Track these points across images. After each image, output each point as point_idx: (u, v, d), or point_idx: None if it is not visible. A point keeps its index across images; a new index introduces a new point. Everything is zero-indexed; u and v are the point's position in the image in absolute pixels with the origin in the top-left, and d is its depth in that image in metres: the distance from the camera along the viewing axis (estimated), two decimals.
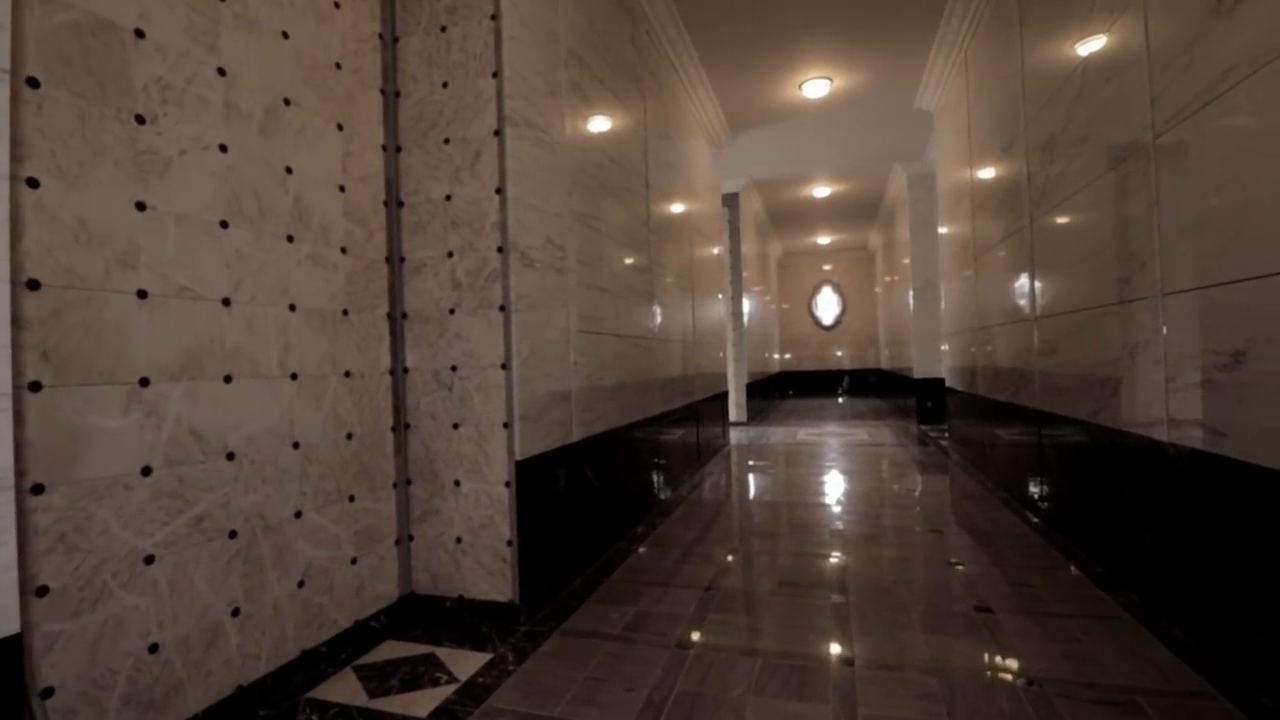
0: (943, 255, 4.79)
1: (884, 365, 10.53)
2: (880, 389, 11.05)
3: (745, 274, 7.57)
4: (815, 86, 4.60)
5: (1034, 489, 2.83)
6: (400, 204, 1.98)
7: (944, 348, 4.90)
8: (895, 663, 1.55)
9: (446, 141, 1.94)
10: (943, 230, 4.85)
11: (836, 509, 3.12)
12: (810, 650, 1.63)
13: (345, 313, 1.77)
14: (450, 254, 1.93)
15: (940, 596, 1.96)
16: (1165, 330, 1.68)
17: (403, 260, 1.98)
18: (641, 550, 2.54)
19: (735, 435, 6.09)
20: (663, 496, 3.40)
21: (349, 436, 1.76)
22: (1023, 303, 2.90)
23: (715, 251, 5.34)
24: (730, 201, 6.97)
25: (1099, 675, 1.46)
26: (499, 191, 1.89)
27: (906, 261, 7.40)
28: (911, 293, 6.74)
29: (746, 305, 7.48)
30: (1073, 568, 2.16)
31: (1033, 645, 1.61)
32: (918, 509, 3.05)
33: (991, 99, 3.29)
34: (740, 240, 6.97)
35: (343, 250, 1.77)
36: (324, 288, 1.70)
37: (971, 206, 3.80)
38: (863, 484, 3.71)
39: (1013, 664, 1.53)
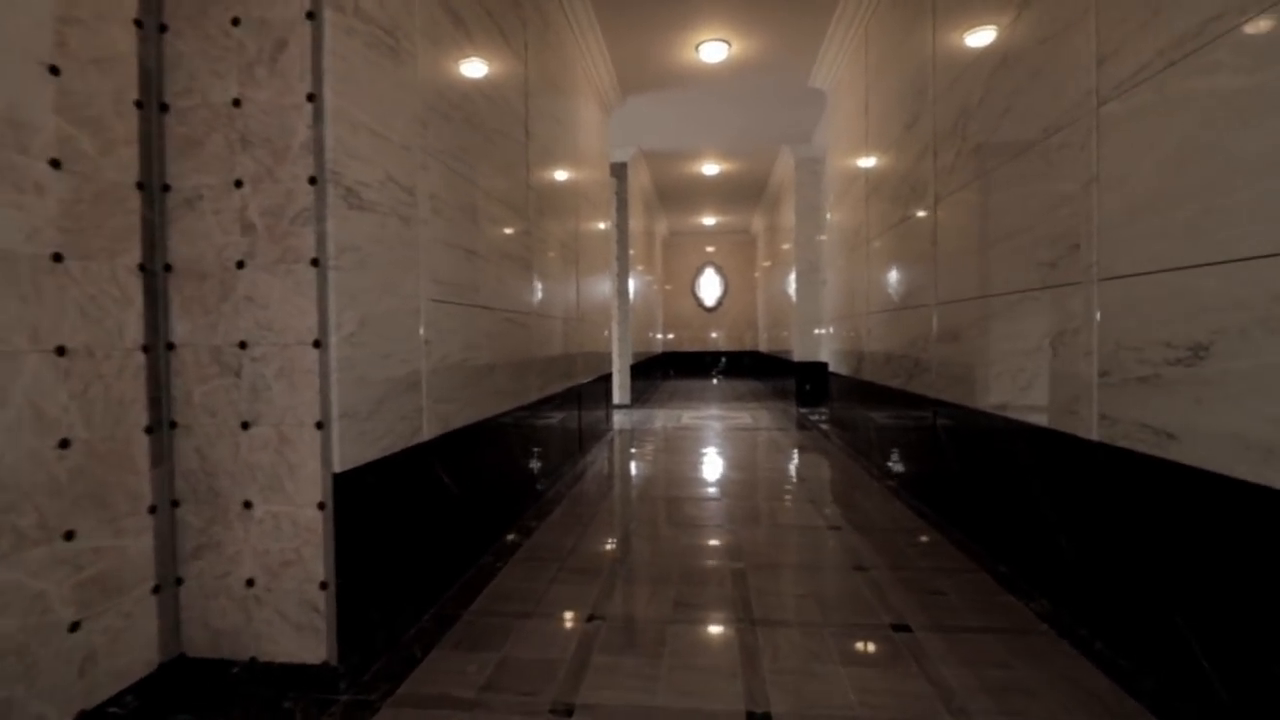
0: (831, 239, 4.74)
1: (762, 348, 10.75)
2: (756, 371, 11.30)
3: (632, 251, 7.25)
4: (713, 50, 4.31)
5: (925, 480, 2.77)
6: (164, 107, 1.38)
7: (828, 331, 4.88)
8: (820, 713, 1.28)
9: (236, 22, 1.37)
10: (831, 215, 4.80)
11: (729, 504, 2.89)
12: (721, 705, 1.32)
13: (58, 258, 1.17)
14: (239, 183, 1.37)
15: (853, 612, 1.74)
16: (1099, 319, 1.53)
17: (166, 189, 1.39)
18: (511, 567, 2.12)
19: (619, 419, 5.79)
20: (540, 493, 3.00)
21: (63, 444, 1.17)
22: (921, 288, 2.80)
23: (603, 224, 4.94)
24: (619, 172, 6.58)
25: (1039, 711, 1.27)
26: (312, 99, 1.35)
27: (788, 247, 7.45)
28: (794, 277, 6.77)
29: (633, 284, 7.17)
30: (978, 569, 2.04)
31: (961, 673, 1.41)
32: (810, 502, 2.90)
33: (895, 74, 3.15)
34: (628, 214, 6.61)
35: (54, 164, 1.17)
36: (12, 219, 1.09)
37: (866, 188, 3.70)
38: (753, 473, 3.54)
39: (945, 702, 1.31)
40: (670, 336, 12.37)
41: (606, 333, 5.02)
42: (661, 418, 5.93)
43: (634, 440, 4.71)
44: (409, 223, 1.71)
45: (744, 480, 3.38)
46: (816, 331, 6.61)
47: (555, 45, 3.40)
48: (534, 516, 2.68)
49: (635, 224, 7.30)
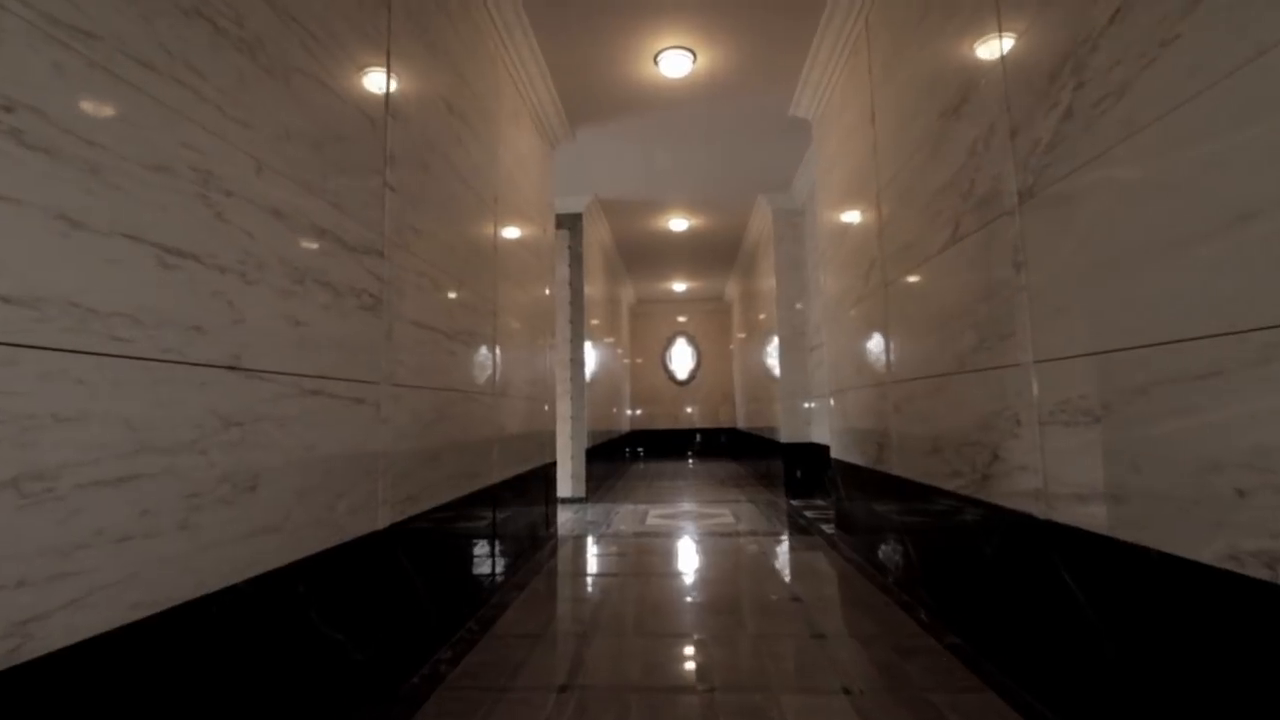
0: (827, 292, 3.81)
1: (741, 424, 9.71)
2: (735, 450, 10.21)
3: (595, 321, 6.28)
4: (675, 61, 3.50)
5: (1032, 654, 1.67)
6: None
7: (830, 405, 3.88)
8: None
9: None
10: (824, 264, 3.89)
11: (711, 702, 1.73)
12: None
13: None
14: None
15: None
16: None
17: None
18: None
19: (568, 519, 4.60)
20: (388, 692, 1.81)
21: None
22: (1006, 336, 1.80)
23: (540, 282, 3.96)
24: (572, 223, 5.70)
25: None
26: None
27: (764, 316, 6.59)
28: (776, 344, 5.83)
29: (592, 354, 6.15)
30: None
31: None
32: (844, 693, 1.76)
33: (917, 55, 2.31)
34: (584, 271, 5.68)
35: None
36: None
37: (878, 215, 2.79)
38: (740, 622, 2.39)
39: None
40: (639, 413, 11.29)
41: (548, 408, 3.93)
42: (623, 517, 4.75)
43: (577, 558, 3.52)
44: None
45: (737, 651, 2.23)
46: (805, 405, 5.60)
47: (476, 53, 2.51)
48: None
49: (595, 287, 6.37)
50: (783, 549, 3.58)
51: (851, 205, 3.19)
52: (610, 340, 7.89)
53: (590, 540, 3.91)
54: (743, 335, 9.50)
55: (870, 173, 2.88)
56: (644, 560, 3.35)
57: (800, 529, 4.10)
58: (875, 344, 2.86)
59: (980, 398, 1.92)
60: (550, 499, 3.96)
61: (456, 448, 2.34)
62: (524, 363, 3.35)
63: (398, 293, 1.89)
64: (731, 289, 9.97)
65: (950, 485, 2.13)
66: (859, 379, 3.15)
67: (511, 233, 3.18)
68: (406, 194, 1.97)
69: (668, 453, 11.11)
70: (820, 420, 5.25)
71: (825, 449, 4.88)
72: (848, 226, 3.25)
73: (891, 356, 2.67)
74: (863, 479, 3.15)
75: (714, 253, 7.86)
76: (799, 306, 5.71)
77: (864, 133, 2.96)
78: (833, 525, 4.00)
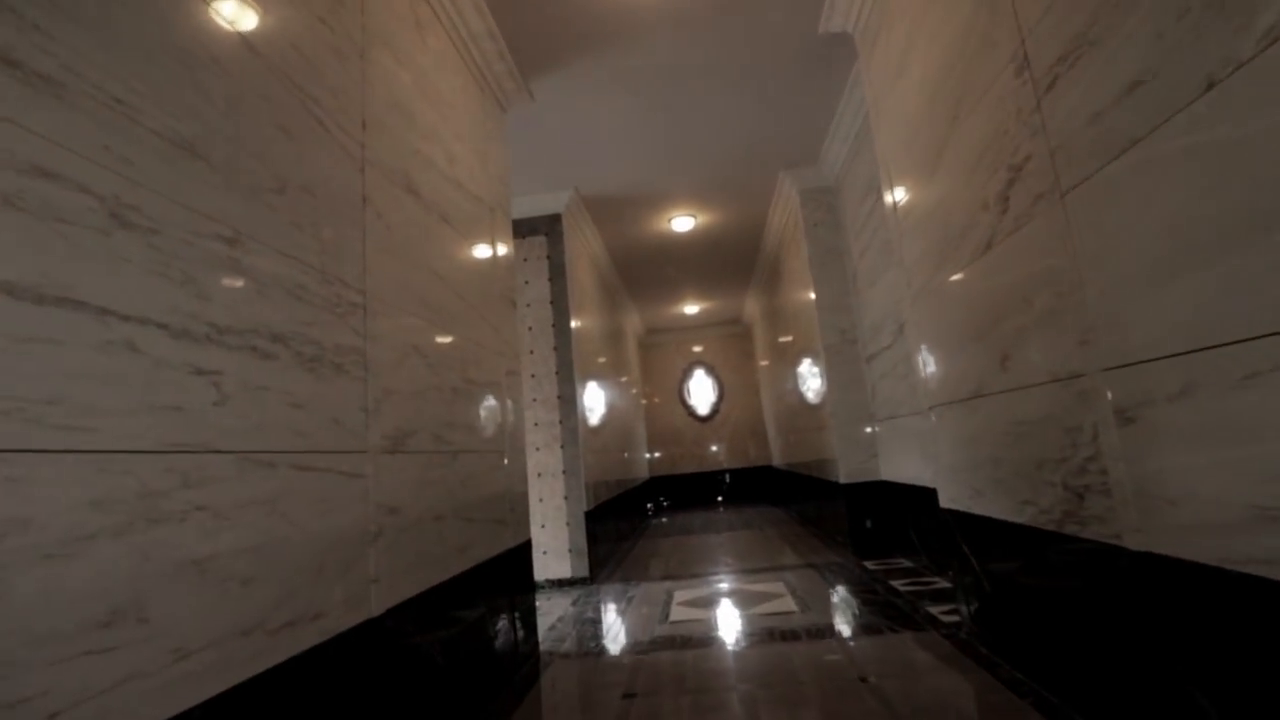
0: (910, 258, 2.55)
1: (777, 462, 8.34)
2: (771, 491, 8.80)
3: (594, 355, 5.10)
4: None
5: None
6: None
7: (905, 428, 2.57)
8: None
9: None
10: (904, 211, 2.66)
11: None
12: None
13: None
14: None
15: None
16: None
17: None
18: None
19: (559, 617, 3.29)
20: None
21: None
22: None
23: (488, 283, 2.79)
24: (549, 227, 4.56)
25: None
26: None
27: (788, 339, 5.34)
28: (818, 358, 4.56)
29: (593, 391, 4.93)
30: None
31: None
32: None
33: None
34: (571, 287, 4.51)
35: None
36: None
37: (1028, 82, 1.56)
38: None
39: None
40: (658, 455, 9.96)
41: (507, 462, 2.67)
42: (637, 607, 3.43)
43: (565, 708, 2.22)
44: None
45: None
46: (868, 430, 4.28)
47: None
48: None
49: (590, 309, 5.20)
50: (890, 664, 2.23)
51: (955, 92, 1.97)
52: (619, 376, 6.67)
53: (588, 657, 2.60)
54: (765, 362, 8.24)
55: (998, 16, 1.67)
56: (666, 707, 2.04)
57: (898, 615, 2.75)
58: (1047, 303, 1.59)
59: None
60: (520, 604, 2.66)
61: (256, 575, 1.11)
62: (450, 396, 2.12)
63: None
64: (751, 307, 8.75)
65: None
66: (1001, 376, 1.87)
67: (409, 195, 2.01)
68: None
69: (694, 500, 9.71)
70: (893, 450, 3.92)
71: (911, 491, 3.55)
72: (950, 132, 2.03)
73: (1098, 320, 1.40)
74: (1028, 548, 1.83)
75: (728, 261, 6.67)
76: (848, 305, 4.45)
77: None
78: (958, 612, 2.64)
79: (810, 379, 5.16)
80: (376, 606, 1.53)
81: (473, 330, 2.43)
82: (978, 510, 2.17)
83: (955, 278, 2.10)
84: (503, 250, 2.93)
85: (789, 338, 6.08)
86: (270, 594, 1.18)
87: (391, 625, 1.58)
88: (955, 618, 2.59)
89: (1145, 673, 1.37)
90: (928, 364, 2.45)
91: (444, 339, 2.13)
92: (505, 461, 2.62)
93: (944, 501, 2.46)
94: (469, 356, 2.35)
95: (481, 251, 2.65)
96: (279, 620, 1.20)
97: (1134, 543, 1.36)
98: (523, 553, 2.71)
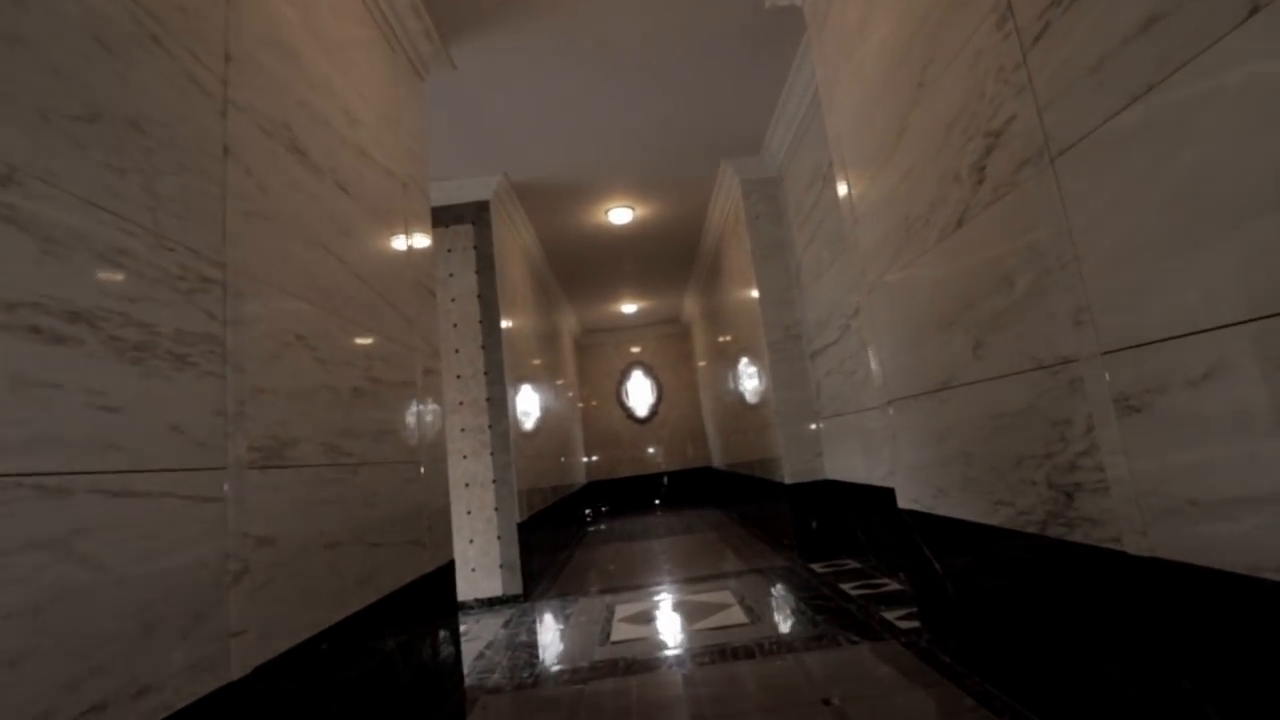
0: (866, 244, 2.40)
1: (717, 462, 8.23)
2: (712, 493, 8.69)
3: (537, 361, 4.78)
4: None
5: None
6: None
7: (850, 426, 2.42)
8: None
9: None
10: (859, 196, 2.50)
11: None
12: None
13: None
14: None
15: None
16: None
17: None
18: None
19: (490, 641, 2.96)
20: None
21: None
22: None
23: (395, 264, 2.45)
24: (476, 215, 4.21)
25: None
26: None
27: (726, 338, 5.20)
28: (764, 354, 4.41)
29: (526, 393, 4.60)
30: None
31: None
32: None
33: None
34: (500, 280, 4.17)
35: None
36: None
37: (1002, 31, 1.41)
38: None
39: None
40: (595, 459, 9.67)
41: (422, 469, 2.33)
42: (576, 626, 3.14)
43: None
44: None
45: None
46: (812, 428, 4.17)
47: None
48: None
49: (522, 307, 4.88)
50: (853, 681, 2.05)
51: (922, 56, 1.81)
52: (554, 378, 6.34)
53: (520, 690, 2.29)
54: (705, 362, 8.13)
55: None
56: None
57: (853, 623, 2.58)
58: (1031, 282, 1.43)
59: None
60: (441, 636, 2.33)
61: (32, 649, 0.77)
62: (349, 398, 1.78)
63: None
64: (690, 306, 8.62)
65: None
66: (974, 365, 1.72)
67: (294, 154, 1.66)
68: None
69: (633, 504, 9.47)
70: (839, 448, 3.81)
71: (858, 490, 3.43)
72: (915, 102, 1.86)
73: (1097, 298, 1.24)
74: (1001, 553, 1.68)
75: (667, 256, 6.48)
76: (791, 300, 4.33)
77: None
78: (914, 617, 2.50)
79: (752, 377, 5.03)
80: (240, 667, 1.19)
81: (381, 321, 2.09)
82: (941, 511, 2.02)
83: (918, 261, 1.94)
84: (419, 233, 2.58)
85: (729, 335, 5.94)
86: (57, 674, 0.84)
87: (262, 688, 1.24)
88: (912, 623, 2.45)
89: (1146, 687, 1.22)
90: (885, 356, 2.30)
91: (341, 330, 1.79)
92: (422, 473, 2.28)
93: (903, 502, 2.31)
94: (375, 352, 2.01)
95: (393, 232, 2.30)
96: (74, 709, 0.85)
97: (1137, 547, 1.21)
98: (443, 577, 2.38)
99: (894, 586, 3.07)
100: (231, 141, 1.38)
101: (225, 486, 1.22)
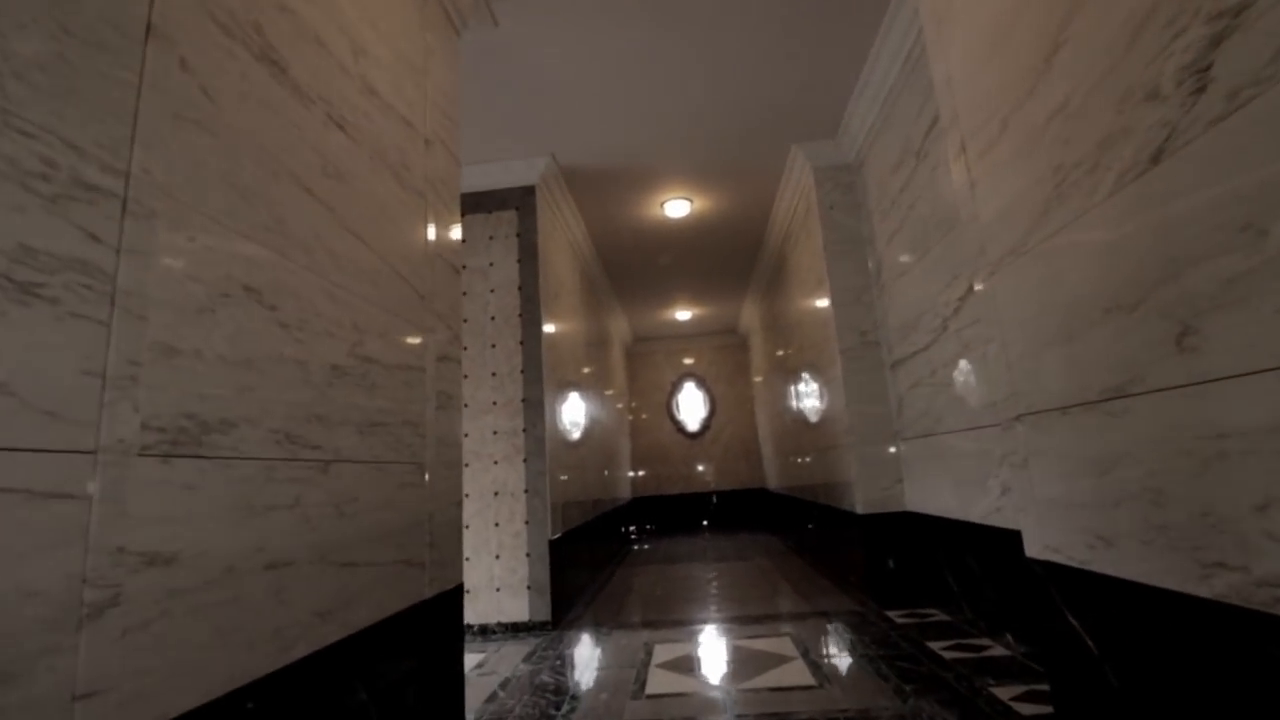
0: (992, 189, 1.88)
1: (773, 484, 7.65)
2: (765, 517, 8.09)
3: (587, 369, 4.43)
4: None
5: None
6: None
7: (945, 448, 1.87)
8: None
9: None
10: (991, 121, 1.99)
11: None
12: None
13: None
14: None
15: None
16: None
17: None
18: None
19: (499, 681, 2.55)
20: None
21: None
22: None
23: (397, 190, 2.10)
24: (520, 200, 3.89)
25: None
26: None
27: (787, 353, 4.68)
28: (836, 363, 3.88)
29: (570, 399, 4.24)
30: None
31: None
32: None
33: None
34: (544, 272, 3.83)
35: None
36: None
37: None
38: None
39: None
40: (642, 474, 9.22)
41: (428, 480, 1.95)
42: (607, 669, 2.70)
43: None
44: None
45: None
46: (891, 450, 3.60)
47: None
48: None
49: (567, 305, 4.53)
50: None
51: None
52: (602, 387, 5.97)
53: None
54: (762, 377, 7.59)
55: None
56: None
57: (954, 700, 2.03)
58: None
59: None
60: (438, 679, 1.92)
61: None
62: (326, 376, 1.42)
63: None
64: (749, 316, 8.11)
65: None
66: (1176, 362, 1.19)
67: (264, 64, 1.32)
68: None
69: (680, 524, 8.96)
70: (925, 475, 3.24)
71: (949, 526, 2.86)
72: (1074, 12, 1.36)
73: None
74: (1213, 638, 1.14)
75: (726, 258, 6.02)
76: (869, 302, 3.79)
77: None
78: (1033, 696, 1.92)
79: (818, 390, 4.49)
80: None
81: (382, 291, 1.73)
82: (1102, 568, 1.47)
83: (1077, 223, 1.43)
84: (443, 200, 2.23)
85: (792, 348, 5.41)
86: None
87: None
88: (1040, 709, 1.89)
89: None
90: (1015, 356, 1.77)
91: (321, 292, 1.43)
92: (426, 478, 1.90)
93: (1034, 549, 1.76)
94: (370, 324, 1.64)
95: (406, 190, 1.95)
96: None
97: None
98: (446, 605, 1.98)
99: (999, 651, 2.48)
100: (161, 20, 1.04)
101: (92, 480, 0.85)
